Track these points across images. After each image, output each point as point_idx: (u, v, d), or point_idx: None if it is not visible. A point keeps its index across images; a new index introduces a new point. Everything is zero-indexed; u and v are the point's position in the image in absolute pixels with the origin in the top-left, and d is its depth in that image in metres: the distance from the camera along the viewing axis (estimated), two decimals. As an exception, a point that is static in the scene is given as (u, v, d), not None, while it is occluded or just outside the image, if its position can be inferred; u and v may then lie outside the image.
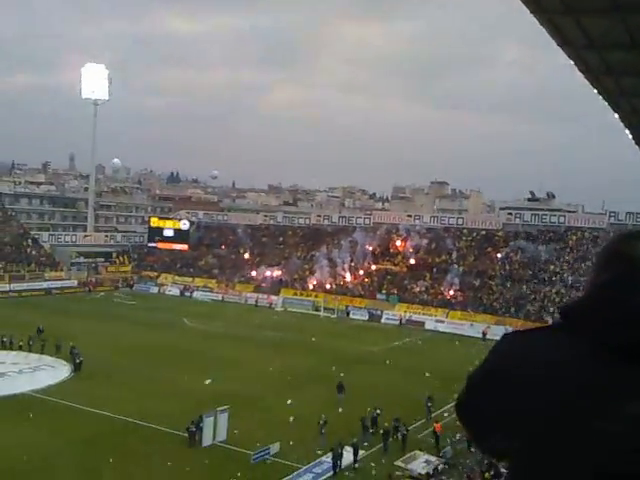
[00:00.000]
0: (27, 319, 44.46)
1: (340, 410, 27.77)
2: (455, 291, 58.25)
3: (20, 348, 36.96)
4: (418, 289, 60.67)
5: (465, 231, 69.13)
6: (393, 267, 66.27)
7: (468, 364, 38.23)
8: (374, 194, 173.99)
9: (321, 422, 24.47)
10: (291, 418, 26.05)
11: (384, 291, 61.20)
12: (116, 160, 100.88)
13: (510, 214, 70.05)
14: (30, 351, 36.83)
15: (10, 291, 59.35)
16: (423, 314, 56.58)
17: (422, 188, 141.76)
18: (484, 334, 50.99)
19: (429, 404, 28.18)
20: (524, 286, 57.91)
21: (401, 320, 56.04)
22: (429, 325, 54.82)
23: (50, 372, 33.20)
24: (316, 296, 62.03)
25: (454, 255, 64.44)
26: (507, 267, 61.68)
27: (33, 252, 69.16)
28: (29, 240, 71.55)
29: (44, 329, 39.50)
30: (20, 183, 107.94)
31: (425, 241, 67.65)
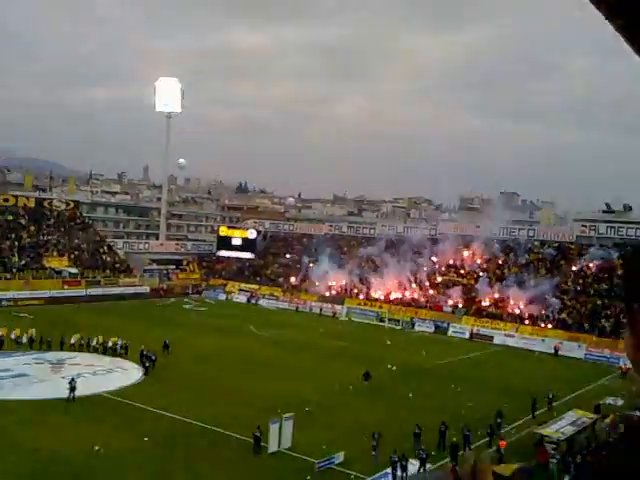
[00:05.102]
0: (103, 323, 46.38)
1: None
2: (525, 305, 56.44)
3: (96, 350, 38.49)
4: (486, 302, 59.15)
5: (537, 243, 67.06)
6: (460, 279, 65.01)
7: (540, 380, 37.29)
8: (440, 205, 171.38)
9: (375, 436, 23.70)
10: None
11: (450, 303, 60.09)
12: (182, 160, 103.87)
13: (584, 226, 67.28)
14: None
15: (86, 296, 61.97)
16: (492, 328, 55.12)
17: (491, 199, 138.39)
18: (556, 350, 49.27)
19: (499, 420, 27.37)
20: (598, 301, 55.47)
21: (471, 334, 54.85)
22: (498, 339, 53.33)
23: (122, 374, 34.38)
24: (380, 307, 61.62)
25: (525, 268, 62.61)
26: (580, 281, 59.33)
27: (108, 259, 72.03)
28: (105, 247, 74.64)
29: (170, 344, 38.83)
30: (97, 192, 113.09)
31: (493, 253, 66.12)
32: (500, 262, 65.91)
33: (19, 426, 24.87)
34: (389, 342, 45.02)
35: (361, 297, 64.99)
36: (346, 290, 67.07)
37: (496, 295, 59.19)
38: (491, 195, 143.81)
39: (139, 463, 21.98)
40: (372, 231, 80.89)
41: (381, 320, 59.48)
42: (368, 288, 65.71)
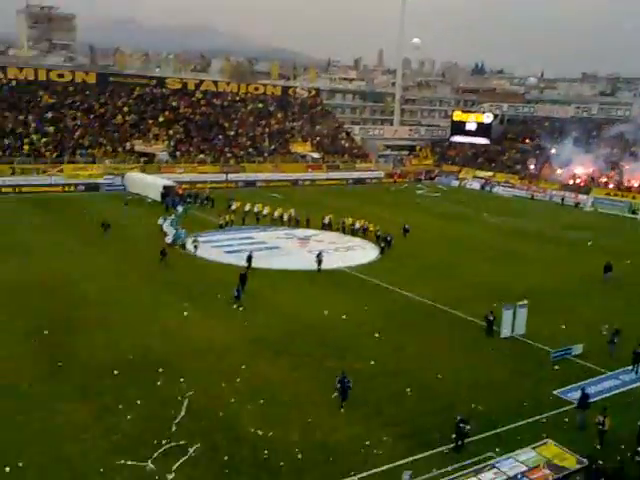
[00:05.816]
0: (342, 204, 49.48)
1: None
2: None
3: (338, 230, 41.42)
4: None
5: None
6: None
7: None
8: None
9: (614, 331, 22.52)
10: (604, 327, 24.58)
11: None
12: (416, 39, 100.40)
13: None
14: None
15: (327, 179, 66.26)
16: None
17: None
18: None
19: None
20: None
21: None
22: None
23: (361, 252, 36.72)
24: (634, 197, 55.39)
25: None
26: None
27: (346, 144, 75.23)
28: (343, 133, 77.87)
29: (409, 228, 40.34)
30: (335, 79, 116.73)
31: None
32: None
33: (271, 291, 28.26)
34: (590, 243, 40.41)
35: (611, 186, 58.98)
36: (593, 179, 61.35)
37: None
38: None
39: (377, 331, 23.66)
40: (627, 113, 71.50)
41: (633, 212, 53.68)
42: (620, 177, 59.26)
